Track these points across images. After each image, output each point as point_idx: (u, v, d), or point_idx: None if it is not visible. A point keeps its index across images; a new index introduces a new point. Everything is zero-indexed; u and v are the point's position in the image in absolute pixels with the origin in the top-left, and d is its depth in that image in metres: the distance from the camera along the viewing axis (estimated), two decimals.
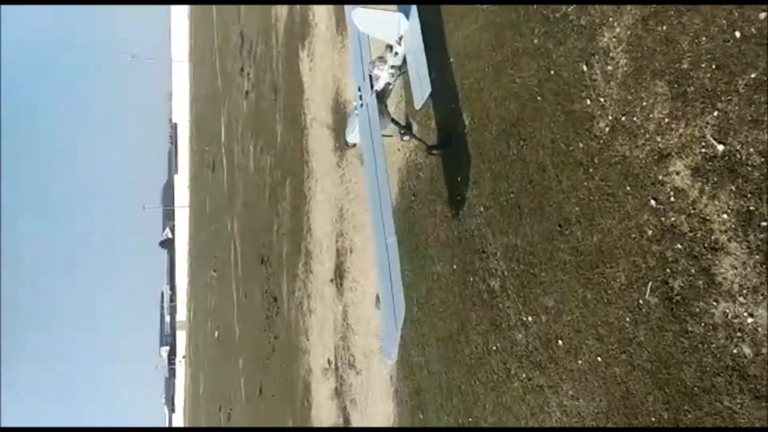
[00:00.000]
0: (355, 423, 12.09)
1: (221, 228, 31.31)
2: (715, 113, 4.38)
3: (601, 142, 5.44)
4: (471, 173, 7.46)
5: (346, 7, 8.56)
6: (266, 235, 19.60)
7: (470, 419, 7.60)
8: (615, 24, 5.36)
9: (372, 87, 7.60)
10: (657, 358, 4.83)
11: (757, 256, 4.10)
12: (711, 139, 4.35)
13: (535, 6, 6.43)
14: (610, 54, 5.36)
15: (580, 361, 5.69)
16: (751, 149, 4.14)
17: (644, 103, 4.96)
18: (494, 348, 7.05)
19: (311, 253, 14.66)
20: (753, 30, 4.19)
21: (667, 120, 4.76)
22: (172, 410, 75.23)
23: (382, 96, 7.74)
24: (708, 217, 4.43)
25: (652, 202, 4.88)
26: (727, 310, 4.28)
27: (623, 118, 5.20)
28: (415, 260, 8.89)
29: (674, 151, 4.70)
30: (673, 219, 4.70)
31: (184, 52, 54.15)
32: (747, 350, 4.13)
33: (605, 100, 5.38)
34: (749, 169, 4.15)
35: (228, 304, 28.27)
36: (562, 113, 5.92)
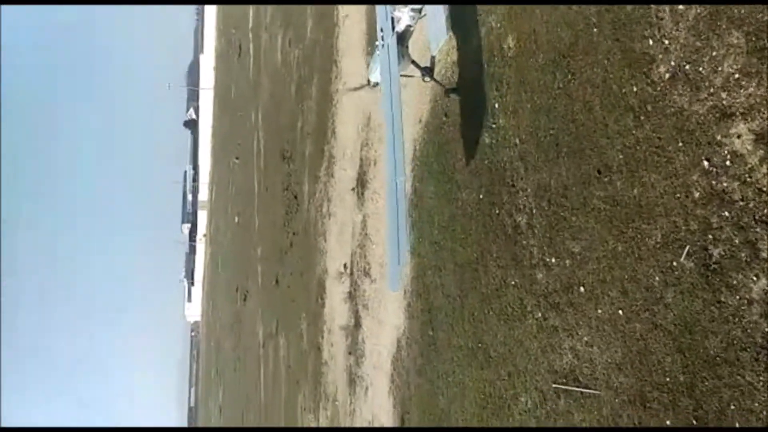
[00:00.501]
0: (366, 327, 12.47)
1: (245, 117, 31.00)
2: None
3: (659, 89, 5.02)
4: (510, 101, 7.06)
5: None
6: (290, 132, 19.33)
7: (480, 345, 7.73)
8: None
9: (393, 29, 7.72)
10: (682, 322, 4.73)
11: None
12: None
13: None
14: None
15: (599, 311, 5.63)
16: None
17: (714, 53, 4.50)
18: (512, 283, 7.01)
19: (334, 157, 14.47)
20: None
21: (737, 76, 4.33)
22: (191, 283, 78.83)
23: (403, 38, 7.90)
24: (764, 189, 4.13)
25: (705, 163, 4.56)
26: None
27: (687, 67, 4.75)
28: (441, 183, 8.69)
29: (739, 111, 4.31)
30: (725, 184, 4.41)
31: None
32: None
33: (670, 44, 4.90)
34: None
35: (249, 193, 28.59)
36: (619, 51, 5.43)
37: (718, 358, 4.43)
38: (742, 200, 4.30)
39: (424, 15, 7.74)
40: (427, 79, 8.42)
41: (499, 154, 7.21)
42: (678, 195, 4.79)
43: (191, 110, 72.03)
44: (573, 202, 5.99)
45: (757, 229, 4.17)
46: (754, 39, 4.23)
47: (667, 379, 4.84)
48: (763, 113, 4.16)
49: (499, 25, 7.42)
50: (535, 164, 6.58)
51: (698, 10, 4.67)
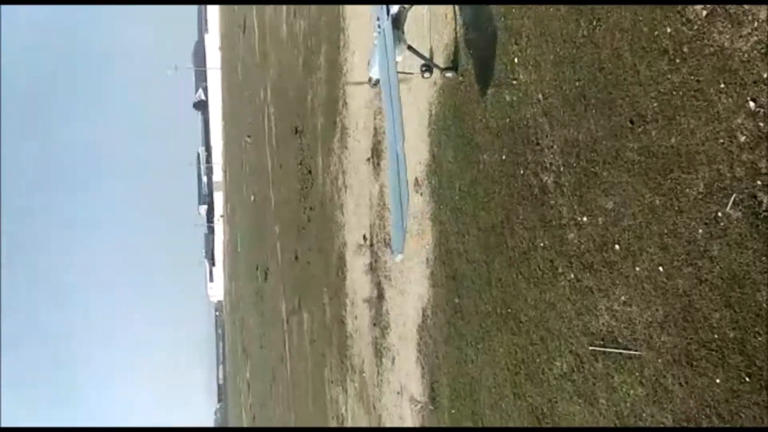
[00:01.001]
0: (389, 297, 12.32)
1: (254, 94, 30.65)
2: None
3: (695, 28, 4.66)
4: (530, 55, 6.70)
5: None
6: (300, 105, 19.01)
7: (509, 310, 7.52)
8: None
9: (389, 13, 7.92)
10: (730, 275, 4.45)
11: None
12: None
13: None
14: None
15: (637, 269, 5.36)
16: None
17: None
18: (541, 244, 6.75)
19: (347, 128, 14.17)
20: None
21: None
22: (212, 263, 79.58)
23: (398, 21, 8.01)
24: None
25: (751, 104, 4.23)
26: None
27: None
28: (460, 147, 8.39)
29: None
30: None
31: None
32: None
33: None
34: None
35: (263, 171, 28.43)
36: None
37: None
38: None
39: None
40: (426, 72, 8.52)
41: (521, 112, 6.88)
42: (721, 140, 4.47)
43: (200, 91, 71.75)
44: (604, 156, 5.68)
45: None
46: None
47: (715, 336, 4.59)
48: None
49: None
50: (560, 119, 6.26)
51: None
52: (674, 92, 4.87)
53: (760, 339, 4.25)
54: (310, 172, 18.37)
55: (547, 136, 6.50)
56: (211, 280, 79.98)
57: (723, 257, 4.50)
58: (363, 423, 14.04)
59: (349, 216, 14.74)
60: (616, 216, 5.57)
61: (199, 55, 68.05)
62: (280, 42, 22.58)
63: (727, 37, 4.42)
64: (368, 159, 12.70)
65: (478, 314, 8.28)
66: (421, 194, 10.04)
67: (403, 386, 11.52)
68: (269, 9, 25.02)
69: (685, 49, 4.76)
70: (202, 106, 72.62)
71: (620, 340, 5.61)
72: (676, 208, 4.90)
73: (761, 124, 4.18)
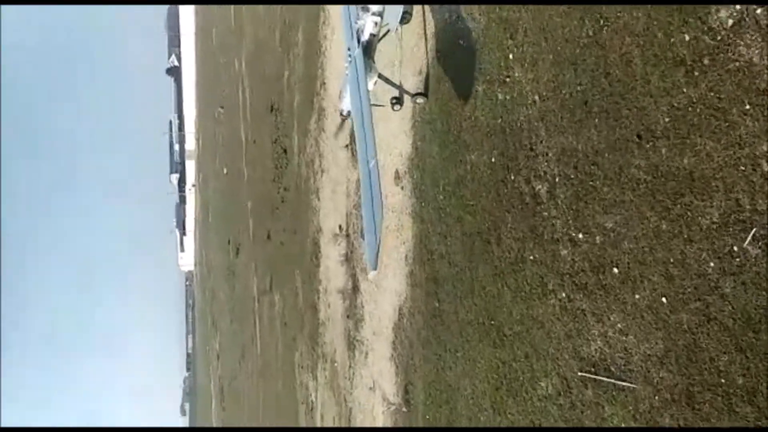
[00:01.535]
0: (365, 291, 11.87)
1: (228, 63, 29.49)
2: None
3: (719, 38, 4.16)
4: (527, 52, 6.14)
5: None
6: (276, 82, 18.17)
7: (492, 322, 7.10)
8: None
9: (359, 41, 7.92)
10: (744, 317, 4.05)
11: None
12: None
13: None
14: None
15: (637, 296, 4.94)
16: None
17: None
18: (531, 257, 6.30)
19: (325, 110, 13.48)
20: None
21: None
22: (183, 233, 78.22)
23: (368, 49, 7.99)
24: None
25: None
26: None
27: (759, 11, 3.88)
28: (446, 144, 7.84)
29: None
30: None
31: None
32: None
33: None
34: None
35: (236, 144, 27.49)
36: None
37: None
38: None
39: (387, 24, 7.88)
40: (395, 102, 8.68)
41: (515, 113, 6.35)
42: (742, 167, 4.02)
43: (173, 57, 69.42)
44: (605, 170, 5.20)
45: None
46: None
47: (722, 380, 4.21)
48: None
49: None
50: (558, 125, 5.75)
51: None
52: (690, 108, 4.38)
53: None
54: (285, 151, 17.65)
55: (542, 141, 5.99)
56: (182, 249, 78.63)
57: (737, 296, 4.09)
58: (333, 413, 13.71)
59: (325, 201, 14.15)
60: (617, 237, 5.13)
61: (173, 18, 65.60)
62: (255, 13, 21.56)
63: (756, 51, 3.93)
64: (347, 146, 12.08)
65: (459, 321, 7.86)
66: (402, 188, 9.51)
67: (375, 382, 11.14)
68: None
69: (706, 61, 4.27)
70: (174, 72, 70.30)
71: (613, 370, 5.22)
72: (686, 237, 4.47)
73: None
